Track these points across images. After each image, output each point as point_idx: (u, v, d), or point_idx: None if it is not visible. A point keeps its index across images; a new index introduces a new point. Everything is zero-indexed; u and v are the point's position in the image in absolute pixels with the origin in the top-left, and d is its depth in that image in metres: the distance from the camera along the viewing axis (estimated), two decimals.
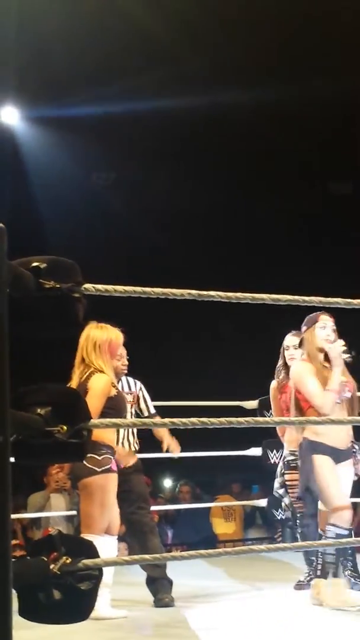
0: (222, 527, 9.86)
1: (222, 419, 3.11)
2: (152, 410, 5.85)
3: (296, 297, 3.19)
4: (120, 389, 5.68)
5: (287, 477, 5.90)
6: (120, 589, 5.55)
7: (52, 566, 2.77)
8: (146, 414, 5.80)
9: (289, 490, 5.89)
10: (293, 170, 12.03)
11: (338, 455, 5.05)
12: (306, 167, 12.00)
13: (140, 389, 5.86)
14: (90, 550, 2.95)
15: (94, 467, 4.85)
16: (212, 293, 3.06)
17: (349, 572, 5.57)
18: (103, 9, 8.74)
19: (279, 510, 7.09)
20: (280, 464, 6.05)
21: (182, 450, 6.00)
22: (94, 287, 2.80)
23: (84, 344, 5.08)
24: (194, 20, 8.93)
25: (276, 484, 6.05)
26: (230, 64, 9.62)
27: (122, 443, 5.66)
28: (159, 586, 5.46)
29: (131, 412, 5.75)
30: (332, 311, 5.06)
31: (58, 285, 2.70)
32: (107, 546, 4.79)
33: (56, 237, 10.89)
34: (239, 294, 3.08)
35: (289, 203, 12.48)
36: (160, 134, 10.79)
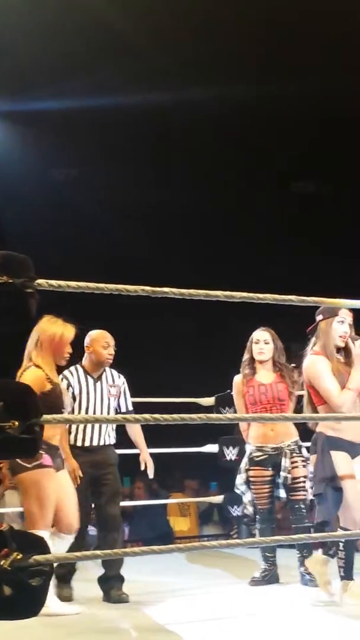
0: (179, 524, 9.87)
1: (176, 416, 3.11)
2: (130, 407, 5.84)
3: (250, 295, 3.20)
4: (104, 380, 5.69)
5: (251, 473, 5.86)
6: (75, 586, 5.56)
7: (2, 562, 2.76)
8: (123, 409, 5.78)
9: (252, 487, 5.87)
10: (256, 168, 12.05)
11: (355, 450, 4.93)
12: (269, 166, 12.03)
13: (124, 383, 5.84)
14: (41, 546, 2.94)
15: (24, 463, 4.78)
16: (165, 289, 3.07)
17: (304, 568, 5.60)
18: (65, 3, 8.70)
19: (235, 506, 7.13)
20: (245, 459, 5.96)
21: (125, 447, 5.99)
22: (47, 282, 2.80)
23: (29, 338, 5.02)
24: (156, 15, 8.91)
25: (239, 479, 5.98)
26: (194, 61, 9.61)
27: (104, 438, 5.66)
28: (113, 582, 5.48)
29: (114, 406, 5.75)
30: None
31: (11, 281, 2.70)
32: (58, 544, 4.77)
33: (14, 233, 10.83)
34: (192, 291, 3.09)
35: (252, 200, 12.51)
36: (123, 130, 10.77)
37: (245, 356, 5.96)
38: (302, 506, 5.73)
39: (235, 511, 7.11)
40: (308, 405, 5.06)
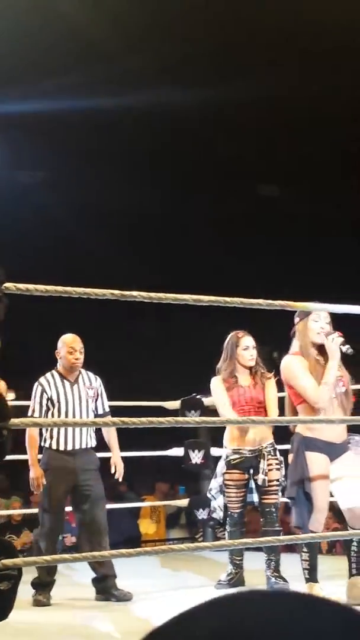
0: (146, 527, 9.88)
1: (144, 419, 3.12)
2: (107, 409, 5.85)
3: (217, 298, 3.22)
4: (81, 383, 5.71)
5: (227, 476, 5.81)
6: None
7: None
8: (100, 411, 5.79)
9: (227, 490, 5.82)
10: (224, 170, 12.10)
11: (334, 450, 4.95)
12: (237, 168, 12.07)
13: (100, 385, 5.84)
14: (9, 551, 2.94)
15: None
16: (134, 293, 3.08)
17: (271, 571, 5.62)
18: (35, 6, 8.67)
19: (200, 510, 7.13)
20: (221, 463, 5.88)
21: (103, 450, 5.99)
22: (15, 286, 2.79)
23: None
24: (128, 18, 8.91)
25: (214, 483, 5.92)
26: (164, 63, 9.62)
27: (86, 441, 5.66)
28: (110, 581, 5.55)
29: (92, 408, 5.76)
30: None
31: None
32: None
33: None
34: (161, 295, 3.10)
35: (220, 203, 12.56)
36: (91, 133, 10.76)
37: (227, 360, 5.88)
38: (274, 509, 5.73)
39: (201, 514, 7.12)
40: (289, 406, 5.10)
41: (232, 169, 12.02)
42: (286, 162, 11.95)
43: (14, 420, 2.90)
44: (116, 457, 5.85)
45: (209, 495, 6.00)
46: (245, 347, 5.86)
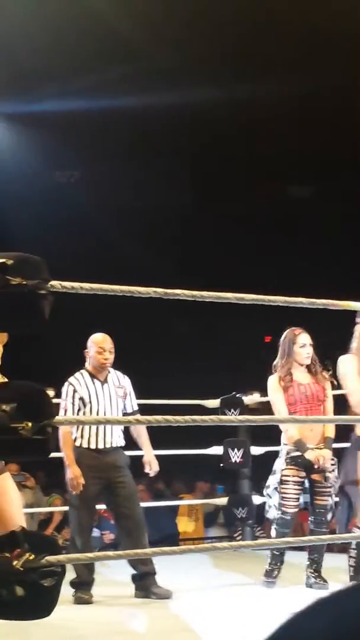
0: (184, 526, 9.88)
1: (187, 417, 3.12)
2: (135, 407, 5.87)
3: (260, 297, 3.22)
4: (110, 382, 5.72)
5: (286, 472, 5.62)
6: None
7: (15, 562, 2.76)
8: (129, 410, 5.81)
9: (283, 487, 5.66)
10: (255, 171, 12.08)
11: None
12: (266, 168, 12.04)
13: (129, 384, 5.86)
14: (54, 547, 2.95)
15: None
16: (177, 291, 3.08)
17: (312, 571, 5.60)
18: (67, 5, 8.70)
19: (239, 508, 7.12)
20: (280, 460, 5.73)
21: (132, 449, 6.00)
22: (60, 284, 2.80)
23: None
24: (158, 17, 8.91)
25: (272, 480, 5.77)
26: (194, 62, 9.62)
27: (116, 440, 5.68)
28: (151, 579, 5.57)
29: (122, 407, 5.77)
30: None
31: (25, 282, 2.70)
32: None
33: (20, 234, 10.85)
34: (204, 293, 3.10)
35: (250, 204, 12.54)
36: (125, 132, 10.78)
37: (283, 358, 5.81)
38: (324, 511, 5.69)
39: (240, 513, 7.11)
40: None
41: (266, 169, 11.99)
42: (314, 161, 11.90)
43: (59, 418, 2.91)
44: (149, 455, 5.86)
45: (265, 493, 5.89)
46: (302, 344, 5.79)
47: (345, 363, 5.09)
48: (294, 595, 5.45)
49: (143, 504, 8.77)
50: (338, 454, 5.59)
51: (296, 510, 5.69)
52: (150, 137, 10.95)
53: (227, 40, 9.30)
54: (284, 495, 5.65)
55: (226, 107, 10.34)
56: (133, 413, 5.79)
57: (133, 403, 5.85)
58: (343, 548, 8.66)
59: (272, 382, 5.80)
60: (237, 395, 7.17)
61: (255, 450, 7.19)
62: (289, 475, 5.65)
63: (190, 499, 10.10)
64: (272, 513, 5.77)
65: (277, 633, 0.66)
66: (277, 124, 10.79)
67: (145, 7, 8.76)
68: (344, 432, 5.43)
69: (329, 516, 5.70)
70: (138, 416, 5.59)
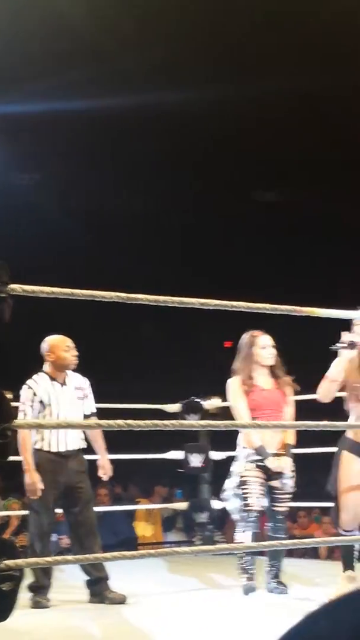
0: (143, 530, 9.87)
1: (148, 422, 3.11)
2: (94, 410, 5.80)
3: (223, 302, 3.22)
4: (70, 384, 5.68)
5: (247, 474, 5.52)
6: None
7: None
8: (87, 412, 5.75)
9: (245, 488, 5.51)
10: (221, 175, 12.10)
11: (356, 449, 5.04)
12: (233, 172, 12.07)
13: (89, 386, 5.81)
14: (12, 551, 2.93)
15: None
16: (139, 296, 3.07)
17: (271, 577, 5.61)
18: (29, 7, 8.64)
19: (199, 513, 7.12)
20: (239, 463, 5.64)
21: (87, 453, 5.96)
22: (20, 287, 2.79)
23: None
24: (121, 18, 8.87)
25: (229, 483, 5.69)
26: (159, 64, 9.59)
27: (78, 443, 5.64)
28: (104, 584, 5.53)
29: (82, 409, 5.73)
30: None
31: None
32: None
33: None
34: (166, 298, 3.09)
35: (216, 207, 12.56)
36: (87, 134, 10.74)
37: (243, 361, 5.70)
38: (282, 517, 5.68)
39: (200, 518, 7.12)
40: None
41: (233, 170, 12.00)
42: (288, 163, 11.94)
43: (18, 422, 2.90)
44: (104, 459, 5.83)
45: (223, 496, 5.82)
46: (263, 345, 5.70)
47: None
48: (252, 600, 5.46)
49: (102, 508, 8.79)
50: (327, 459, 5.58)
51: (261, 509, 5.61)
52: (112, 139, 10.92)
53: (190, 42, 9.29)
54: (247, 495, 5.56)
55: (190, 109, 10.33)
56: (91, 415, 5.74)
57: (92, 405, 5.80)
58: (303, 553, 8.73)
59: (233, 385, 5.70)
60: (197, 400, 7.18)
61: (216, 455, 7.20)
62: (249, 476, 5.57)
63: (147, 504, 10.09)
64: (235, 516, 5.71)
65: (296, 628, 0.66)
66: (241, 127, 10.80)
67: (107, 8, 8.72)
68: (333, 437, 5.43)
69: (285, 523, 5.71)
70: (101, 421, 5.53)
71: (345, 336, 5.13)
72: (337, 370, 5.15)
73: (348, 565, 5.16)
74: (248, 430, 5.58)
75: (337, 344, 5.12)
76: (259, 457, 5.54)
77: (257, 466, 5.56)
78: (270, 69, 9.51)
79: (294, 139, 11.04)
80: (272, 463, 5.52)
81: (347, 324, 5.19)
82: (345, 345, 5.10)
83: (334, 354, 5.15)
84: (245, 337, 5.75)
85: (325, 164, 11.67)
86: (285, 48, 9.22)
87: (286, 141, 11.09)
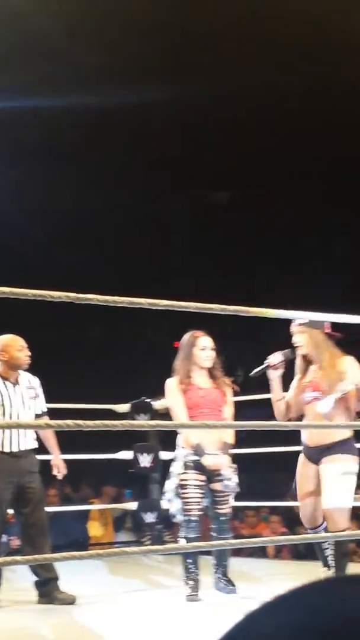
0: (95, 531, 9.85)
1: (98, 422, 3.12)
2: (44, 409, 5.78)
3: (172, 302, 3.23)
4: (22, 383, 5.65)
5: (184, 477, 5.50)
6: None
7: None
8: (38, 412, 5.72)
9: (183, 492, 5.49)
10: (174, 175, 12.12)
11: (310, 453, 5.12)
12: (186, 173, 12.09)
13: (39, 385, 5.78)
14: None
15: None
16: (88, 296, 3.07)
17: (220, 575, 5.62)
18: None
19: (148, 513, 7.13)
20: (178, 463, 5.60)
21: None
22: None
23: None
24: (82, 19, 8.84)
25: (169, 484, 5.65)
26: (111, 64, 9.58)
27: (30, 443, 5.61)
28: (53, 584, 5.51)
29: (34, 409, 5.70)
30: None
31: None
32: None
33: None
34: (117, 298, 3.10)
35: (170, 206, 12.60)
36: (40, 133, 10.68)
37: (183, 360, 5.69)
38: (226, 518, 5.68)
39: (149, 518, 7.12)
40: None
41: (183, 172, 12.02)
42: (232, 166, 12.00)
43: None
44: (57, 459, 5.82)
45: (164, 498, 5.80)
46: (203, 347, 5.68)
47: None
48: (200, 600, 5.47)
49: (52, 509, 8.76)
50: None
51: (201, 513, 5.57)
52: (65, 138, 10.87)
53: (145, 41, 9.29)
54: (185, 500, 5.54)
55: (148, 106, 10.32)
56: (41, 415, 5.73)
57: (42, 405, 5.78)
58: (251, 552, 8.77)
59: (171, 384, 5.70)
60: (147, 400, 7.19)
61: (165, 455, 7.21)
62: (188, 480, 5.54)
63: (98, 504, 10.08)
64: (179, 518, 5.66)
65: (238, 627, 0.66)
66: (193, 127, 10.83)
67: (62, 6, 8.69)
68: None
69: (228, 524, 5.72)
70: (51, 421, 5.51)
71: (273, 357, 5.20)
72: (275, 390, 5.24)
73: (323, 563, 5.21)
74: (185, 430, 5.58)
75: (256, 370, 5.22)
76: (196, 457, 5.54)
77: (195, 467, 5.54)
78: (226, 68, 9.56)
79: (248, 139, 11.11)
80: (208, 461, 5.49)
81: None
82: (264, 367, 5.19)
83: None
84: (186, 337, 5.74)
85: (279, 164, 11.77)
86: (243, 48, 9.27)
87: (242, 141, 11.15)
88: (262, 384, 5.43)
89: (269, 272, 13.29)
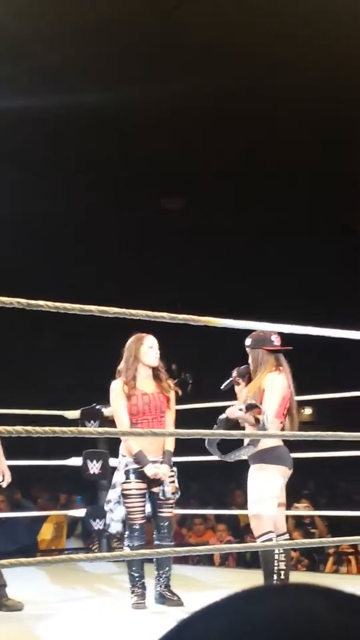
0: (45, 536, 9.82)
1: (47, 428, 3.14)
2: None
3: (123, 310, 3.26)
4: None
5: (126, 486, 5.53)
6: None
7: None
8: None
9: (126, 501, 5.54)
10: (129, 180, 12.13)
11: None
12: (141, 180, 12.11)
13: None
14: None
15: None
16: (40, 303, 3.09)
17: (162, 587, 5.62)
18: None
19: (97, 520, 7.12)
20: (119, 473, 5.62)
21: None
22: None
23: None
24: (45, 17, 8.80)
25: (112, 494, 5.66)
26: (80, 63, 9.54)
27: None
28: (1, 591, 5.48)
29: None
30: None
31: None
32: None
33: None
34: (67, 305, 3.12)
35: (126, 213, 12.60)
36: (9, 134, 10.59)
37: (128, 361, 5.62)
38: (166, 524, 5.69)
39: (97, 525, 7.12)
40: None
41: (140, 177, 12.03)
42: (188, 172, 12.03)
43: None
44: (3, 465, 5.78)
45: (106, 507, 5.78)
46: (150, 345, 5.64)
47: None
48: (147, 610, 5.48)
49: (1, 514, 8.74)
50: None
51: (144, 521, 5.60)
52: (24, 139, 10.78)
53: (114, 41, 9.28)
54: (130, 509, 5.56)
55: (113, 108, 10.29)
56: None
57: None
58: (198, 560, 8.81)
59: (116, 387, 5.66)
60: (97, 407, 7.20)
61: (114, 461, 7.22)
62: (130, 489, 5.56)
63: (49, 510, 10.05)
64: (114, 528, 5.70)
65: (170, 633, 0.69)
66: (159, 129, 10.83)
67: (31, 5, 8.65)
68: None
69: (170, 530, 5.73)
70: (1, 427, 5.50)
71: (235, 371, 5.33)
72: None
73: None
74: (127, 437, 5.58)
75: (225, 383, 5.34)
76: (137, 466, 5.54)
77: (137, 475, 5.55)
78: (183, 69, 9.59)
79: (201, 145, 11.18)
80: (150, 470, 5.50)
81: None
82: (230, 381, 5.32)
83: None
84: (131, 338, 5.70)
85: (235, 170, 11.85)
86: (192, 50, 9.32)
87: (195, 147, 11.21)
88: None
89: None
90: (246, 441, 4.95)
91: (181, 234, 12.98)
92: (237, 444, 4.97)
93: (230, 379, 5.34)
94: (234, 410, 4.97)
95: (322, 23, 8.68)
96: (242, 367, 5.37)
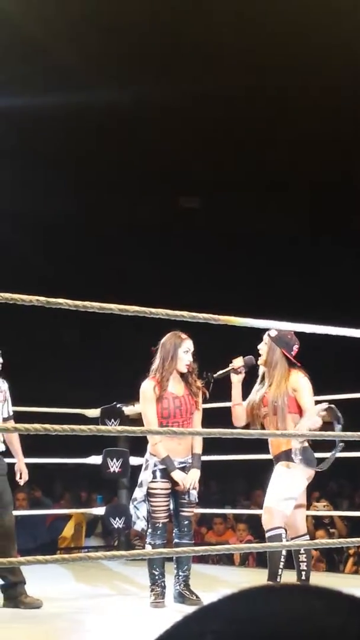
0: (67, 534, 9.83)
1: (65, 426, 3.14)
2: (11, 413, 5.75)
3: (143, 309, 3.25)
4: None
5: (153, 485, 5.52)
6: None
7: None
8: (5, 415, 5.70)
9: (152, 500, 5.53)
10: (142, 180, 12.11)
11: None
12: (155, 178, 12.09)
13: (7, 388, 5.76)
14: None
15: None
16: (60, 300, 3.08)
17: (181, 586, 5.61)
18: None
19: (116, 518, 7.12)
20: (147, 472, 5.59)
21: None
22: None
23: None
24: (57, 15, 8.81)
25: (138, 492, 5.64)
26: (83, 63, 9.55)
27: None
28: (19, 588, 5.50)
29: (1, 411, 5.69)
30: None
31: None
32: None
33: None
34: (87, 303, 3.11)
35: (138, 212, 12.58)
36: (13, 133, 10.61)
37: (162, 363, 5.51)
38: (188, 522, 5.68)
39: (117, 523, 7.12)
40: None
41: (151, 178, 12.01)
42: (205, 171, 12.01)
43: None
44: (21, 464, 5.80)
45: (131, 505, 5.76)
46: (186, 350, 5.52)
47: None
48: (166, 608, 5.48)
49: (21, 512, 8.75)
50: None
51: (167, 520, 5.61)
52: (28, 137, 10.78)
53: (121, 40, 9.27)
54: (154, 507, 5.56)
55: (114, 107, 10.28)
56: (8, 418, 5.72)
57: (9, 408, 5.77)
58: (218, 559, 8.79)
59: (147, 389, 5.56)
60: (118, 406, 7.20)
61: (135, 460, 7.22)
62: (156, 488, 5.55)
63: (69, 508, 10.05)
64: (139, 525, 5.69)
65: (167, 633, 0.68)
66: (170, 129, 10.82)
67: (48, 4, 8.66)
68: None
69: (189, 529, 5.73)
70: (19, 425, 5.49)
71: (236, 361, 5.35)
72: (234, 394, 5.42)
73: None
74: (156, 440, 5.53)
75: (220, 372, 5.39)
76: (164, 466, 5.52)
77: (163, 475, 5.54)
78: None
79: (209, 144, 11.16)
80: (178, 476, 5.50)
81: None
82: (228, 370, 5.35)
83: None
84: (170, 338, 5.56)
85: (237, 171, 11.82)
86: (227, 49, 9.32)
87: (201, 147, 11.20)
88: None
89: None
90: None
91: (199, 234, 12.96)
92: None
93: (228, 368, 5.36)
94: (317, 420, 5.05)
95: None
96: (247, 357, 5.35)
